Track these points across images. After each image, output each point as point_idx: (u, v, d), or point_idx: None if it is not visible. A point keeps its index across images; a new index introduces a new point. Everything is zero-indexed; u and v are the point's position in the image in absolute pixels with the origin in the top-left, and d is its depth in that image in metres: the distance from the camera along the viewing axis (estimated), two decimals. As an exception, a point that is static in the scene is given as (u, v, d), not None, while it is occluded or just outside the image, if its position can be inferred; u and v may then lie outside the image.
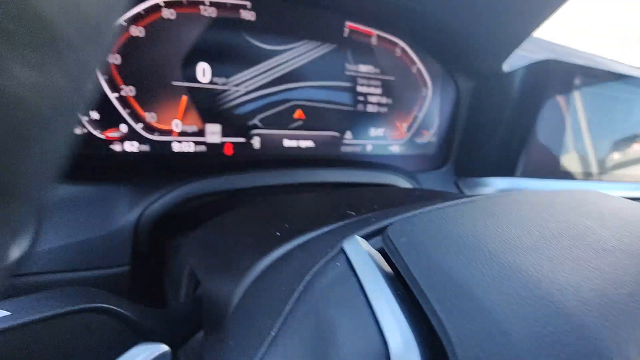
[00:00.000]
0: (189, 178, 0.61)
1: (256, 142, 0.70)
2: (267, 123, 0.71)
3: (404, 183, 0.80)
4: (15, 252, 0.43)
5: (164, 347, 0.27)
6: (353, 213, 0.40)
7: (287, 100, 0.72)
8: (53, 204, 0.52)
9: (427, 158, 0.92)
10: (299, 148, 0.74)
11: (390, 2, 0.73)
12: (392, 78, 0.82)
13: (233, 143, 0.68)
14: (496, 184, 0.93)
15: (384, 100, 0.82)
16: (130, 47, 0.58)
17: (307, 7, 0.71)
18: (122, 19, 0.57)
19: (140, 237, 0.56)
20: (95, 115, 0.57)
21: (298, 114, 0.73)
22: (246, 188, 0.65)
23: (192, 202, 0.62)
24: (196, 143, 0.65)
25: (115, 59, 0.57)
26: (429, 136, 0.90)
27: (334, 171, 0.74)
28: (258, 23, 0.67)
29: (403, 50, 0.83)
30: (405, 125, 0.86)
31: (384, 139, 0.84)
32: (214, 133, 0.66)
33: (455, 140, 0.93)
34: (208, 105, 0.65)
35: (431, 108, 0.89)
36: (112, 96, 0.58)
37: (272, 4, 0.68)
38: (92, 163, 0.58)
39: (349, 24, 0.76)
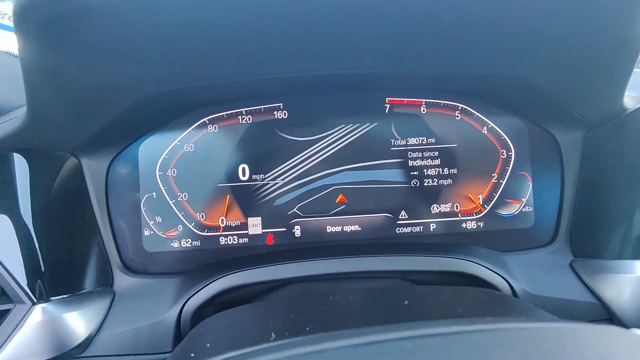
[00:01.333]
0: (229, 270, 0.65)
1: (297, 231, 0.71)
2: (307, 211, 0.71)
3: (480, 269, 0.65)
4: (82, 336, 0.55)
5: None
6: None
7: (327, 186, 0.71)
8: (118, 295, 0.65)
9: (522, 234, 0.72)
10: (344, 233, 0.71)
11: (439, 74, 0.66)
12: (453, 145, 0.72)
13: (274, 233, 0.71)
14: (638, 269, 0.64)
15: (445, 171, 0.72)
16: (183, 161, 0.70)
17: (341, 92, 0.72)
18: (177, 140, 0.70)
19: (183, 325, 0.63)
20: (159, 219, 0.70)
21: (340, 198, 0.71)
22: (286, 278, 0.65)
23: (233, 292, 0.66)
24: (239, 236, 0.71)
25: (173, 172, 0.70)
26: (520, 206, 0.72)
27: (385, 258, 0.66)
28: (290, 119, 0.71)
29: (465, 112, 0.72)
30: (481, 197, 0.72)
31: (452, 215, 0.72)
32: (255, 225, 0.71)
33: (565, 208, 0.71)
34: (248, 201, 0.71)
35: (518, 172, 0.72)
36: (171, 202, 0.70)
37: (303, 99, 0.71)
38: (155, 259, 0.70)
39: (389, 99, 0.72)
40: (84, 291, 0.63)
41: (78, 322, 0.59)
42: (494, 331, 0.25)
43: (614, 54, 0.53)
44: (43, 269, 0.59)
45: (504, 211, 0.72)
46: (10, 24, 0.91)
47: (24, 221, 0.60)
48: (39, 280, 0.58)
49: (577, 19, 0.48)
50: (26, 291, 0.56)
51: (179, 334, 0.62)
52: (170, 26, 0.48)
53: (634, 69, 0.66)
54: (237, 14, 0.47)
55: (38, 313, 0.56)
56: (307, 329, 0.34)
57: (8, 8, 0.88)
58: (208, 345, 0.39)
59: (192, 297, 0.63)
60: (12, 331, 0.55)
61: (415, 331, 0.25)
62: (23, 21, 0.42)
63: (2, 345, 0.54)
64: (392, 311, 0.39)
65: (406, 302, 0.39)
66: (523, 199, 0.72)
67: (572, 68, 0.58)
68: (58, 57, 0.49)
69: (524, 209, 0.72)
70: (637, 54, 0.52)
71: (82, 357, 0.59)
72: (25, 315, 0.56)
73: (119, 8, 0.43)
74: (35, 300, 0.56)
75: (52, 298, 0.58)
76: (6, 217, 0.59)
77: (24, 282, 0.57)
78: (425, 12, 0.49)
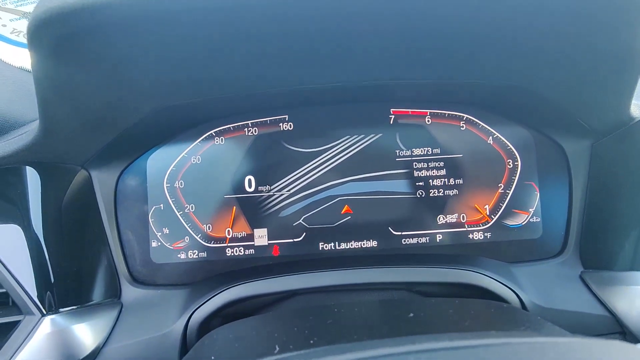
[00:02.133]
0: (236, 282, 0.66)
1: (303, 242, 0.71)
2: (313, 222, 0.71)
3: (488, 281, 0.64)
4: (90, 347, 0.55)
5: None
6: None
7: (333, 197, 0.72)
8: (126, 306, 0.65)
9: (530, 244, 0.72)
10: (350, 244, 0.71)
11: (444, 85, 0.67)
12: (459, 155, 0.72)
13: (280, 244, 0.71)
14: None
15: (451, 181, 0.72)
16: (190, 173, 0.71)
17: (346, 104, 0.72)
18: (184, 152, 0.71)
19: (189, 337, 0.63)
20: (166, 230, 0.71)
21: (345, 209, 0.71)
22: (292, 290, 0.65)
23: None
24: (246, 247, 0.71)
25: (181, 184, 0.71)
26: (528, 216, 0.71)
27: (390, 270, 0.66)
28: (296, 131, 0.72)
29: (470, 122, 0.72)
30: (487, 207, 0.71)
31: (458, 226, 0.71)
32: (261, 237, 0.71)
33: (574, 218, 0.70)
34: (254, 212, 0.71)
35: (525, 182, 0.71)
36: (178, 214, 0.71)
37: (308, 111, 0.72)
38: (162, 270, 0.71)
39: (394, 110, 0.72)
40: (92, 303, 0.64)
41: (86, 333, 0.60)
42: (499, 346, 0.25)
43: (618, 65, 0.53)
44: (52, 280, 0.60)
45: (511, 222, 0.72)
46: (24, 41, 0.94)
47: (35, 233, 0.61)
48: (48, 292, 0.59)
49: (580, 33, 0.49)
50: (36, 302, 0.57)
51: (185, 346, 0.62)
52: (179, 43, 0.50)
53: None
54: (244, 30, 0.48)
55: (47, 324, 0.57)
56: (311, 342, 0.34)
57: (22, 26, 0.90)
58: (213, 358, 0.39)
59: (199, 309, 0.63)
60: (22, 342, 0.56)
61: (419, 345, 0.25)
62: (37, 39, 0.44)
63: (12, 356, 0.55)
64: (396, 324, 0.39)
65: (411, 314, 0.39)
66: (530, 209, 0.72)
67: (578, 79, 0.58)
68: (70, 72, 0.50)
69: (531, 220, 0.72)
70: (641, 63, 0.52)
71: (89, 368, 0.60)
72: (34, 326, 0.56)
73: (128, 27, 0.45)
74: (44, 312, 0.57)
75: (61, 309, 0.59)
76: (18, 228, 0.61)
77: (34, 293, 0.58)
78: (428, 25, 0.49)
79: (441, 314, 0.42)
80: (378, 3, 0.45)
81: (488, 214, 0.71)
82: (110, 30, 0.45)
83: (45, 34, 0.43)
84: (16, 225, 0.61)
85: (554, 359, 0.23)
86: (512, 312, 0.52)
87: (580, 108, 0.65)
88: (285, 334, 0.40)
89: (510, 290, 0.63)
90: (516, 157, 0.72)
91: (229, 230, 0.71)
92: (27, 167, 0.63)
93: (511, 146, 0.72)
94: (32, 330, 0.56)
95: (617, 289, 0.64)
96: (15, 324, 0.57)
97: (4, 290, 0.58)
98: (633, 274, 0.64)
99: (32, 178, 0.63)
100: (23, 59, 0.82)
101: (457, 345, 0.27)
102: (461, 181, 0.71)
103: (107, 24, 0.44)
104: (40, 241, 0.61)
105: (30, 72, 0.78)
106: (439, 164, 0.72)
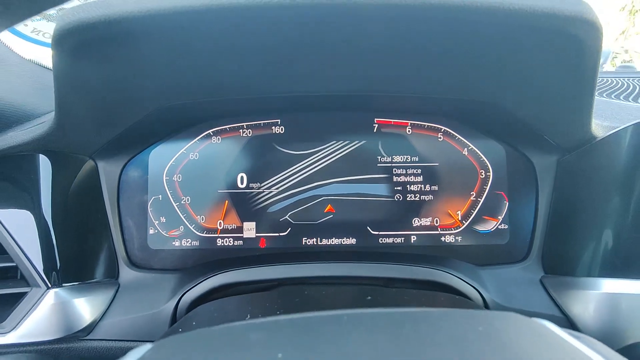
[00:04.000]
0: (223, 269, 0.72)
1: (288, 236, 0.77)
2: (298, 219, 0.77)
3: (455, 280, 0.70)
4: (88, 320, 0.62)
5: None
6: None
7: (317, 197, 0.78)
8: (122, 286, 0.71)
9: (497, 249, 0.77)
10: (330, 240, 0.77)
11: (425, 98, 0.73)
12: (435, 164, 0.78)
13: (266, 238, 0.77)
14: (604, 286, 0.68)
15: (427, 187, 0.78)
16: (188, 168, 0.78)
17: (334, 112, 0.79)
18: (184, 149, 0.78)
19: (179, 316, 0.69)
20: (163, 219, 0.77)
21: (328, 208, 0.77)
22: (273, 279, 0.71)
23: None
24: (235, 239, 0.77)
25: (179, 178, 0.78)
26: (496, 223, 0.77)
27: (365, 265, 0.72)
28: (286, 134, 0.78)
29: (448, 134, 0.78)
30: (460, 213, 0.77)
31: (431, 229, 0.77)
32: (249, 230, 0.77)
33: (538, 227, 0.76)
34: (245, 207, 0.77)
35: (495, 191, 0.77)
36: (175, 205, 0.77)
37: (300, 116, 0.79)
38: (158, 256, 0.77)
39: (378, 119, 0.79)
40: (92, 281, 0.70)
41: (85, 307, 0.66)
42: (414, 313, 0.31)
43: (574, 87, 0.59)
44: (57, 258, 0.67)
45: (481, 227, 0.77)
46: (42, 39, 1.01)
47: (44, 215, 0.68)
48: (53, 268, 0.65)
49: (536, 58, 0.55)
50: (42, 276, 0.64)
51: (174, 324, 0.68)
52: (185, 52, 0.56)
53: (609, 99, 0.71)
54: (243, 43, 0.55)
55: (51, 297, 0.63)
56: (278, 312, 0.40)
57: (42, 26, 0.98)
58: (194, 323, 0.45)
59: (188, 292, 0.70)
60: (28, 311, 0.62)
61: (353, 311, 0.31)
62: (59, 44, 0.50)
63: (18, 323, 0.61)
64: (353, 302, 0.44)
65: (369, 297, 0.45)
66: (499, 217, 0.77)
67: (540, 99, 0.64)
68: (87, 72, 0.57)
69: (499, 226, 0.77)
70: (593, 85, 0.58)
71: (87, 339, 0.66)
72: (40, 298, 0.63)
73: (140, 38, 0.51)
74: (49, 285, 0.64)
75: (64, 284, 0.65)
76: (29, 211, 0.67)
77: (40, 268, 0.64)
78: (403, 44, 0.56)
79: (396, 299, 0.48)
80: (360, 26, 0.51)
81: (460, 219, 0.77)
82: (123, 40, 0.52)
83: (67, 41, 0.49)
84: (27, 207, 0.68)
85: (459, 325, 0.29)
86: (456, 300, 0.58)
87: (546, 126, 0.71)
88: (258, 308, 0.46)
89: (474, 290, 0.69)
90: (488, 168, 0.78)
91: (220, 222, 0.78)
92: (41, 155, 0.69)
93: (484, 158, 0.78)
94: (37, 301, 0.63)
95: (574, 293, 0.69)
96: (22, 295, 0.63)
97: (14, 264, 0.64)
98: (589, 279, 0.69)
99: (44, 165, 0.70)
100: (40, 55, 0.89)
101: (385, 311, 0.32)
102: (436, 188, 0.77)
103: (121, 34, 0.50)
104: (48, 222, 0.68)
105: (45, 68, 0.85)
106: (416, 171, 0.78)
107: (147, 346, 0.31)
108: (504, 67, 0.59)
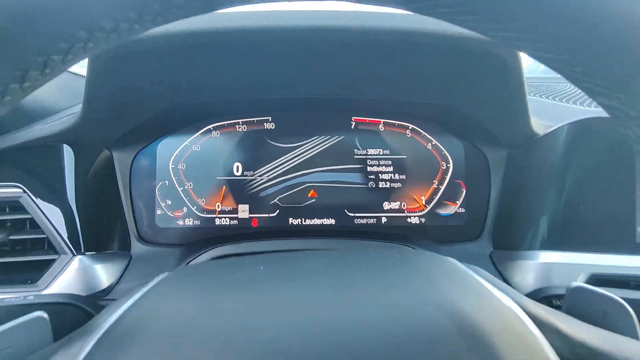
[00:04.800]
0: (220, 244, 0.84)
1: (277, 217, 0.90)
2: (286, 202, 0.90)
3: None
4: (106, 283, 0.76)
5: (39, 313, 0.37)
6: None
7: (302, 183, 0.90)
8: (134, 258, 0.84)
9: (455, 230, 0.90)
10: (313, 220, 0.90)
11: (394, 99, 0.87)
12: (404, 156, 0.91)
13: (258, 218, 0.90)
14: (540, 257, 0.82)
15: (396, 176, 0.91)
16: (191, 158, 0.90)
17: (317, 111, 0.92)
18: (187, 141, 0.90)
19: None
20: (169, 201, 0.90)
21: (311, 193, 0.90)
22: (263, 251, 0.84)
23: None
24: (231, 219, 0.90)
25: (183, 166, 0.90)
26: (455, 207, 0.91)
27: (342, 240, 0.85)
28: (277, 130, 0.91)
29: (414, 131, 0.91)
30: (424, 198, 0.91)
31: (399, 212, 0.90)
32: (244, 211, 0.90)
33: (490, 210, 0.89)
34: (240, 191, 0.90)
35: (454, 180, 0.91)
36: (179, 189, 0.90)
37: (288, 115, 0.91)
38: (164, 233, 0.89)
39: (355, 118, 0.92)
40: (109, 251, 0.82)
41: (103, 273, 0.78)
42: (346, 251, 0.43)
43: (505, 93, 0.72)
44: (80, 232, 0.79)
45: (442, 211, 0.91)
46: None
47: (68, 197, 0.80)
48: (76, 239, 0.77)
49: (470, 69, 0.68)
50: (69, 245, 0.76)
51: None
52: (193, 65, 0.70)
53: (559, 103, 0.85)
54: (241, 58, 0.68)
55: (76, 262, 0.75)
56: (261, 267, 0.53)
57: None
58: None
59: (191, 262, 0.82)
60: (57, 274, 0.74)
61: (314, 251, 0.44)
62: (95, 57, 0.63)
63: (50, 283, 0.73)
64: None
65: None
66: (458, 202, 0.91)
67: (483, 102, 0.77)
68: (114, 80, 0.69)
69: (458, 210, 0.91)
70: (523, 92, 0.71)
71: (105, 299, 0.78)
72: (67, 263, 0.75)
73: (161, 55, 0.64)
74: (74, 253, 0.76)
75: (86, 253, 0.77)
76: (55, 193, 0.79)
77: (67, 239, 0.76)
78: (368, 62, 0.69)
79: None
80: (332, 48, 0.65)
81: (424, 203, 0.90)
82: (147, 56, 0.65)
83: (104, 54, 0.62)
84: (54, 189, 0.80)
85: (383, 262, 0.41)
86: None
87: (495, 126, 0.84)
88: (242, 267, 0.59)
89: None
90: (449, 161, 0.91)
91: (218, 205, 0.90)
92: (64, 145, 0.82)
93: (445, 152, 0.91)
94: (65, 265, 0.74)
95: (515, 263, 0.83)
96: (53, 261, 0.75)
97: (44, 236, 0.76)
98: (529, 252, 0.82)
99: (68, 154, 0.82)
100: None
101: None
102: (404, 177, 0.90)
103: (144, 52, 0.63)
104: (71, 202, 0.80)
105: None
106: (387, 163, 0.91)
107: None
108: (455, 79, 0.73)
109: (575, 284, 0.42)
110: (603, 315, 0.40)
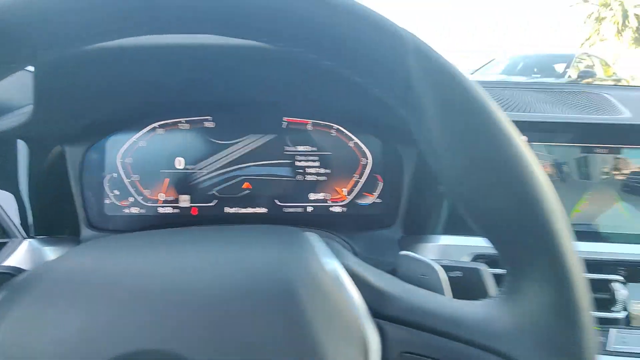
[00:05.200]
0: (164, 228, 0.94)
1: (214, 206, 1.01)
2: (223, 193, 1.01)
3: (335, 238, 0.95)
4: None
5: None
6: None
7: (238, 176, 1.02)
8: (83, 242, 0.93)
9: (373, 218, 1.03)
10: (247, 209, 1.01)
11: (320, 103, 0.99)
12: (329, 153, 1.03)
13: (197, 207, 1.01)
14: (440, 241, 0.96)
15: (322, 170, 1.03)
16: (137, 153, 1.00)
17: (252, 112, 1.03)
18: (134, 138, 1.00)
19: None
20: (116, 192, 1.00)
21: (245, 185, 1.02)
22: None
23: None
24: (173, 207, 1.00)
25: (130, 160, 1.00)
26: (373, 198, 1.03)
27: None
28: (216, 128, 1.02)
29: (338, 130, 1.04)
30: (345, 190, 1.03)
31: (324, 202, 1.03)
32: (185, 201, 1.01)
33: (402, 201, 1.02)
34: (181, 183, 1.01)
35: (372, 174, 1.03)
36: (127, 181, 1.00)
37: (226, 114, 1.02)
38: (112, 220, 0.99)
39: (286, 118, 1.03)
40: (59, 236, 0.92)
41: (52, 256, 0.88)
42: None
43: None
44: (32, 218, 0.88)
45: (361, 201, 1.03)
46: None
47: (21, 188, 0.89)
48: (27, 224, 0.87)
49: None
50: (20, 230, 0.85)
51: None
52: (141, 71, 0.80)
53: None
54: (173, 68, 0.79)
55: (25, 244, 0.85)
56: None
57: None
58: None
59: (134, 246, 0.92)
60: (8, 255, 0.83)
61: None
62: (42, 62, 0.73)
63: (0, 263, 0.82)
64: None
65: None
66: (375, 193, 1.03)
67: (384, 105, 0.90)
68: (63, 81, 0.79)
69: (375, 201, 1.03)
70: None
71: (54, 277, 0.87)
72: (17, 245, 0.84)
73: (115, 59, 0.75)
74: (25, 236, 0.85)
75: (36, 237, 0.87)
76: (9, 183, 0.88)
77: (18, 224, 0.86)
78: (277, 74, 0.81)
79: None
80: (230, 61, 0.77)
81: (346, 194, 1.03)
82: (92, 63, 0.75)
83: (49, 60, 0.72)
84: (7, 180, 0.89)
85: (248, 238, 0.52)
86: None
87: (405, 126, 0.97)
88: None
89: (347, 244, 0.95)
90: (368, 157, 1.03)
91: (162, 195, 1.00)
92: (19, 140, 0.91)
93: (365, 149, 1.04)
94: (15, 247, 0.84)
95: (419, 246, 0.96)
96: (5, 244, 0.84)
97: (-4, 221, 0.85)
98: (430, 236, 0.96)
99: (22, 148, 0.91)
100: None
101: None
102: (329, 171, 1.03)
103: (90, 59, 0.73)
104: (23, 192, 0.89)
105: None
106: (314, 158, 1.03)
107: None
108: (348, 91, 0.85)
109: (402, 252, 0.54)
110: (421, 276, 0.53)
